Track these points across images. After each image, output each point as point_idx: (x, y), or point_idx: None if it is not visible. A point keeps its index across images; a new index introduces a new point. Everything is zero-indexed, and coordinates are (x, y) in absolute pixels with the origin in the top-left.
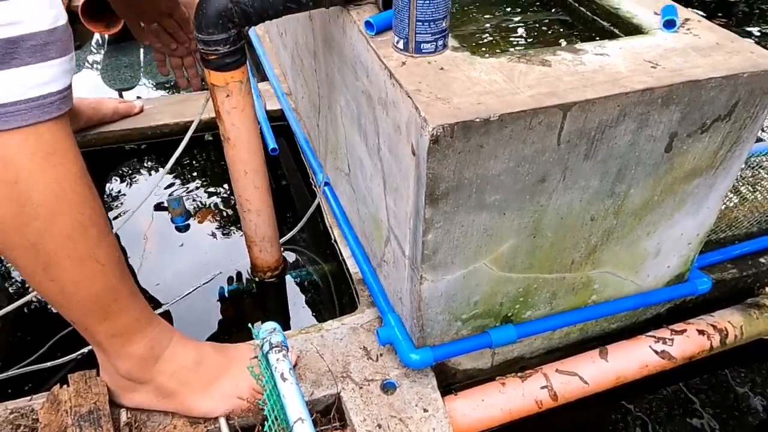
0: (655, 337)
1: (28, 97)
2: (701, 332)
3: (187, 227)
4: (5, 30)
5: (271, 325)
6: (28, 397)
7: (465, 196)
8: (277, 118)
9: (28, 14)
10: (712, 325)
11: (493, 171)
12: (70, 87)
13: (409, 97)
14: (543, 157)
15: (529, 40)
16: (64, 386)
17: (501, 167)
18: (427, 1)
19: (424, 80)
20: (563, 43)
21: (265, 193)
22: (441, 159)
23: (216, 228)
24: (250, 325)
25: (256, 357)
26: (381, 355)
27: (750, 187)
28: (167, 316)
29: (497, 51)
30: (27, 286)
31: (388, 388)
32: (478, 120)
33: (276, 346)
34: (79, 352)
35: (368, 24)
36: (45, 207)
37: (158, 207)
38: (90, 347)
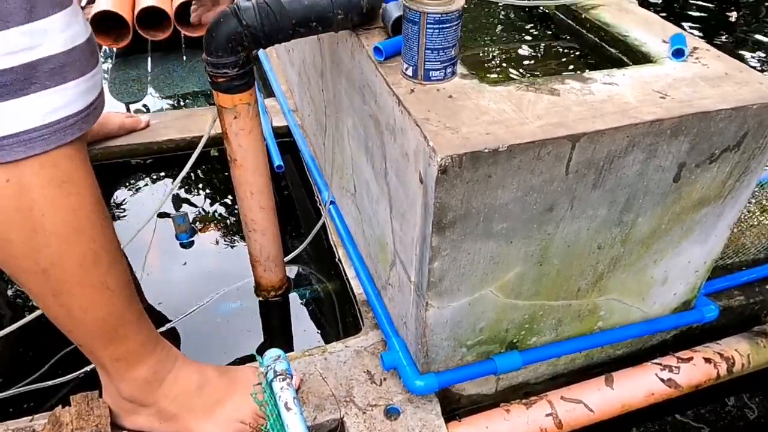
0: (661, 364)
1: (49, 122)
2: (708, 360)
3: (191, 243)
4: (23, 55)
5: (275, 352)
6: (29, 417)
7: (472, 224)
8: (283, 135)
9: (44, 38)
10: (718, 353)
11: (500, 200)
12: (92, 104)
13: (417, 125)
14: (551, 186)
15: (537, 67)
16: (66, 407)
17: (509, 196)
18: (437, 31)
19: (433, 108)
20: (571, 68)
21: (271, 213)
22: (449, 188)
23: (220, 245)
24: (255, 353)
25: (260, 383)
26: (385, 379)
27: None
28: (170, 332)
29: (506, 78)
30: (30, 303)
31: (391, 413)
32: (486, 150)
33: (280, 374)
34: (81, 371)
35: (377, 50)
36: (58, 235)
37: (162, 215)
38: (92, 366)
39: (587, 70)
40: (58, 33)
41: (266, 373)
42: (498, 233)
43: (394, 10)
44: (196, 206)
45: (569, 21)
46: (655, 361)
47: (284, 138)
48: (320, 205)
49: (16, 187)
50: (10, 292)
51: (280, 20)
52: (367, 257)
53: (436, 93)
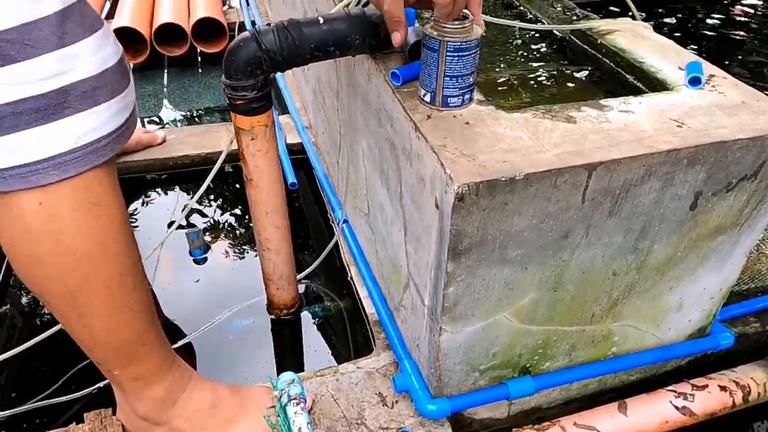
0: (675, 392)
1: (82, 144)
2: (723, 388)
3: (204, 260)
4: (55, 81)
5: (289, 376)
6: None
7: (488, 251)
8: (296, 151)
9: (75, 62)
10: (734, 381)
11: (516, 227)
12: (124, 124)
13: (434, 152)
14: (567, 214)
15: (553, 92)
16: (80, 424)
17: (524, 224)
18: (456, 58)
19: (450, 135)
20: (586, 94)
21: (285, 232)
22: (465, 216)
23: (233, 261)
24: (269, 377)
25: (273, 407)
26: (396, 402)
27: None
28: (183, 348)
29: (521, 104)
30: (41, 310)
31: None
32: (503, 179)
33: (294, 399)
34: (94, 387)
35: (394, 75)
36: (87, 259)
37: (171, 224)
38: (105, 382)
39: (603, 97)
40: (89, 57)
41: (280, 397)
42: (513, 260)
43: (411, 36)
44: (209, 222)
45: (584, 46)
46: (670, 388)
47: (298, 155)
48: (333, 222)
49: (48, 210)
50: (24, 300)
51: (299, 45)
52: (380, 277)
53: (452, 119)
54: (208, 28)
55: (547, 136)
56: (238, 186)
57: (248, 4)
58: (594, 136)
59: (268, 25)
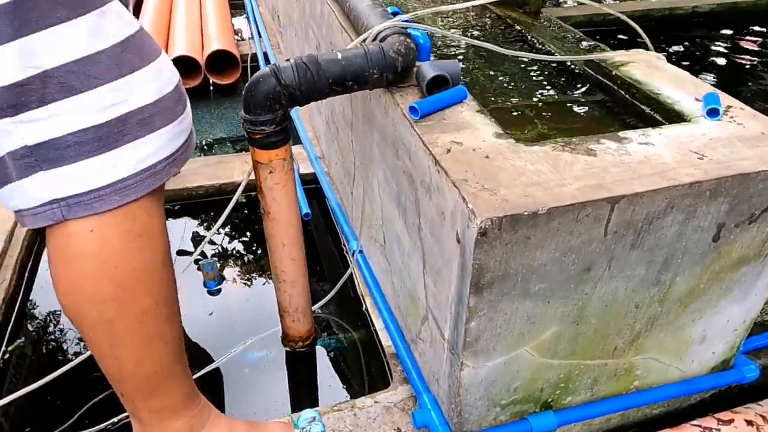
0: (700, 426)
1: (140, 169)
2: (750, 423)
3: (219, 291)
4: (115, 110)
5: (310, 413)
6: None
7: (510, 285)
8: (309, 181)
9: (133, 91)
10: (761, 416)
11: (539, 261)
12: (180, 148)
13: (455, 186)
14: (589, 247)
15: (568, 123)
16: None
17: (547, 257)
18: None
19: (470, 169)
20: (603, 125)
21: (301, 264)
22: (488, 250)
23: (247, 293)
24: (290, 416)
25: None
26: None
27: None
28: (198, 381)
29: (539, 135)
30: (57, 350)
31: None
32: (526, 213)
33: None
34: (109, 422)
35: (412, 109)
36: (128, 287)
37: (181, 253)
38: (121, 416)
39: (619, 128)
40: (146, 85)
41: None
42: (535, 293)
43: (428, 70)
44: (223, 252)
45: (599, 77)
46: (695, 422)
47: (310, 185)
48: (346, 252)
49: (99, 238)
50: (38, 335)
51: (317, 80)
52: (396, 309)
53: (472, 153)
54: (220, 60)
55: (568, 169)
56: (247, 214)
57: (260, 36)
58: (615, 169)
59: (287, 60)
